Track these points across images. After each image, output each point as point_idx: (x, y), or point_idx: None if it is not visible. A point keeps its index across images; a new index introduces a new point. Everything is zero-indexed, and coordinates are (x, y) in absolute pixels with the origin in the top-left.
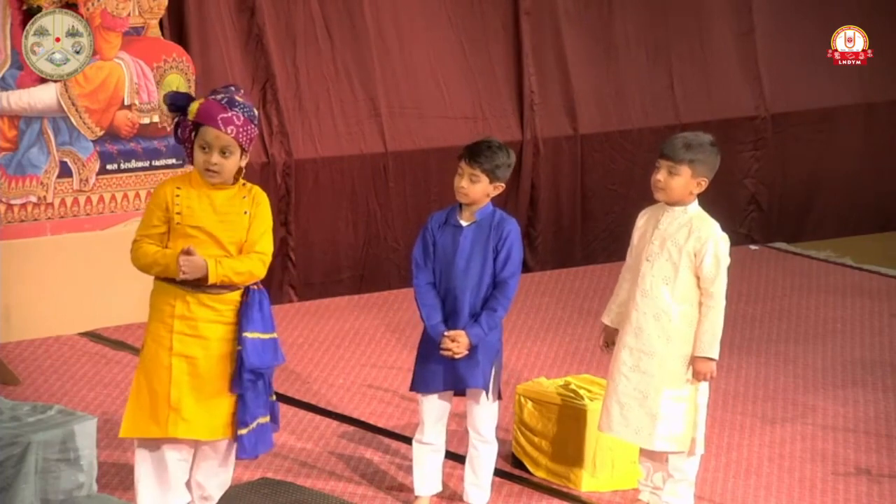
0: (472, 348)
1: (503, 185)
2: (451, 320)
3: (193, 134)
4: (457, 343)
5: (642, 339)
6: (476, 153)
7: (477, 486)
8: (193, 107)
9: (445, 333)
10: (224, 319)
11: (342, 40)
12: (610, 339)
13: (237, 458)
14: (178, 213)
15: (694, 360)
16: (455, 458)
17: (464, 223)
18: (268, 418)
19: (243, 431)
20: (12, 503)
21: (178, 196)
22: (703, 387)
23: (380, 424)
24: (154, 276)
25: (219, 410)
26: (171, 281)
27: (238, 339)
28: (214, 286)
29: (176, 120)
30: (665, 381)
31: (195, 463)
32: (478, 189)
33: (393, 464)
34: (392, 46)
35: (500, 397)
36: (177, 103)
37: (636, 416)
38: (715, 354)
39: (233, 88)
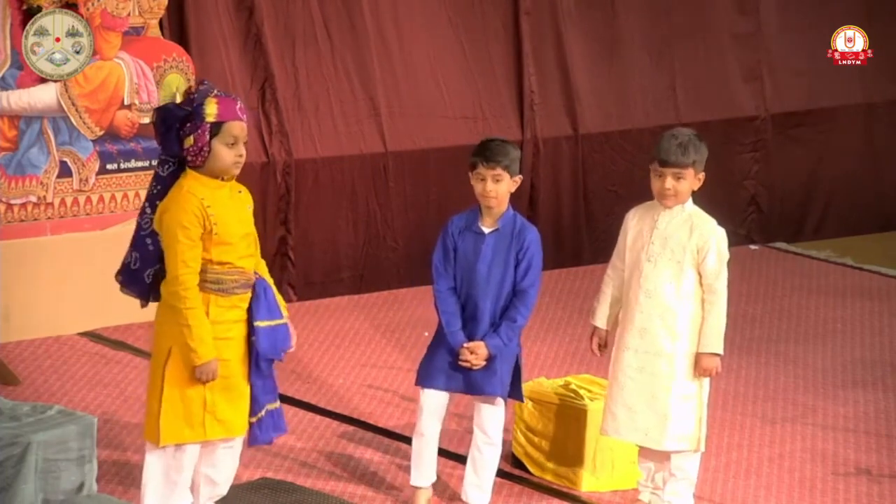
0: (490, 357)
1: (520, 178)
2: (470, 327)
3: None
4: (475, 355)
5: (647, 339)
6: (492, 152)
7: (478, 488)
8: (212, 108)
9: (465, 345)
10: (244, 317)
11: (342, 40)
12: (603, 341)
13: (248, 445)
14: (215, 224)
15: (699, 356)
16: (455, 457)
17: (486, 230)
18: (277, 403)
19: (252, 420)
20: (12, 503)
21: (208, 207)
22: (705, 383)
23: (380, 424)
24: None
25: (244, 404)
26: (200, 287)
27: (250, 331)
28: (244, 286)
29: (188, 129)
30: (673, 380)
31: (207, 459)
32: (503, 188)
33: (393, 464)
34: (392, 46)
35: (521, 398)
36: (182, 112)
37: (644, 418)
38: (720, 350)
39: (207, 82)
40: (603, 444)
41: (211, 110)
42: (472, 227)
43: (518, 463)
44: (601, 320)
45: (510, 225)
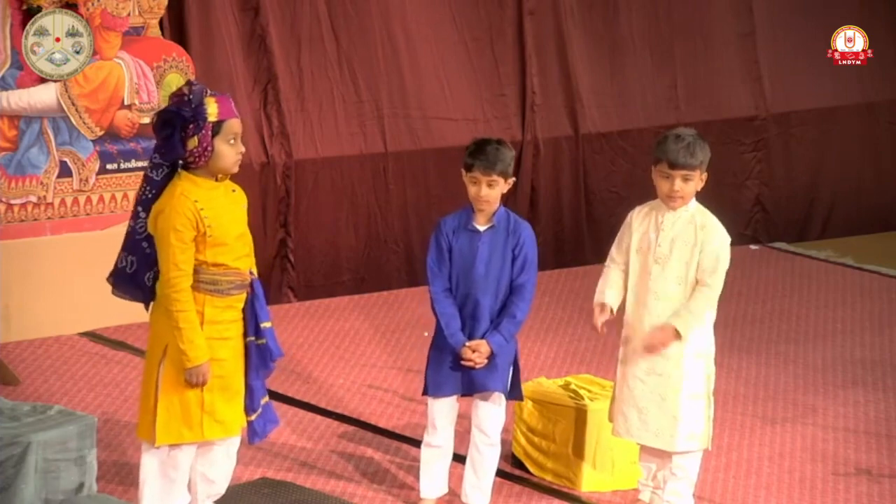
0: (492, 354)
1: (513, 180)
2: (470, 325)
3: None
4: (478, 353)
5: None
6: (489, 158)
7: (478, 489)
8: (213, 108)
9: (467, 344)
10: (240, 316)
11: (349, 41)
12: (606, 318)
13: (250, 443)
14: (209, 227)
15: (662, 326)
16: (455, 457)
17: (481, 228)
18: (267, 396)
19: (252, 417)
20: (12, 503)
21: (202, 209)
22: (711, 379)
23: (380, 424)
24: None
25: (240, 403)
26: (196, 288)
27: (252, 332)
28: (240, 287)
29: (191, 131)
30: (681, 381)
31: (203, 457)
32: (497, 193)
33: (393, 464)
34: (400, 47)
35: (521, 398)
36: (188, 114)
37: (655, 419)
38: (683, 332)
39: (197, 83)
40: (603, 444)
41: (212, 110)
42: (467, 225)
43: (518, 463)
44: (610, 299)
45: (504, 221)
